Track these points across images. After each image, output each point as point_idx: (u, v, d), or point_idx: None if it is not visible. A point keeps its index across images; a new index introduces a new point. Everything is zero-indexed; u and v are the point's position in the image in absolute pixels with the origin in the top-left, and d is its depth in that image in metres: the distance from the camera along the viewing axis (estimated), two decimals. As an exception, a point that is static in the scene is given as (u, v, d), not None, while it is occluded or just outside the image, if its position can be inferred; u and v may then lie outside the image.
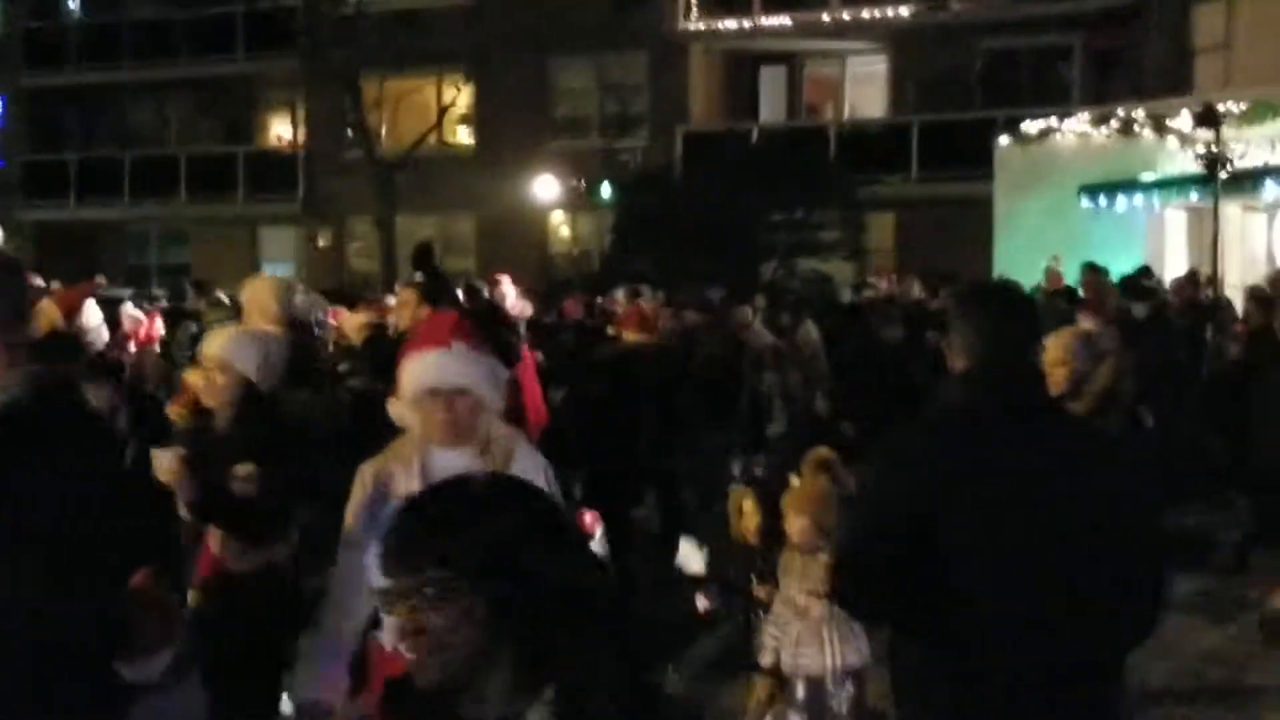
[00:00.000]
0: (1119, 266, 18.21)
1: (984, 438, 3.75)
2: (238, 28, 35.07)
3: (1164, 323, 12.51)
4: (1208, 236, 18.71)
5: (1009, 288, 4.58)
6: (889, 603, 3.78)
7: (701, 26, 30.89)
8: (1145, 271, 16.36)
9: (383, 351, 8.25)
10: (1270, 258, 20.77)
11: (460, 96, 33.74)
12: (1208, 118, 15.67)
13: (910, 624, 3.82)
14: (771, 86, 32.32)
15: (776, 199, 26.82)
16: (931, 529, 3.62)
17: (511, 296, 13.95)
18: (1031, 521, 3.63)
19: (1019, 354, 3.84)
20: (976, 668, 3.63)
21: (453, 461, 4.39)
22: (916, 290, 17.08)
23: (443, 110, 33.37)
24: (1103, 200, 20.76)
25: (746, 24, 30.50)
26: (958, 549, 3.62)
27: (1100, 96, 25.46)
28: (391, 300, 12.13)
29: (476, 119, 33.99)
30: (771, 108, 32.35)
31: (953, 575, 3.61)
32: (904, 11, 28.96)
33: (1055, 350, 6.07)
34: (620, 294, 16.03)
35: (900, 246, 28.94)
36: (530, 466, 4.51)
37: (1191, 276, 16.40)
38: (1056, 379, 5.92)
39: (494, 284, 13.95)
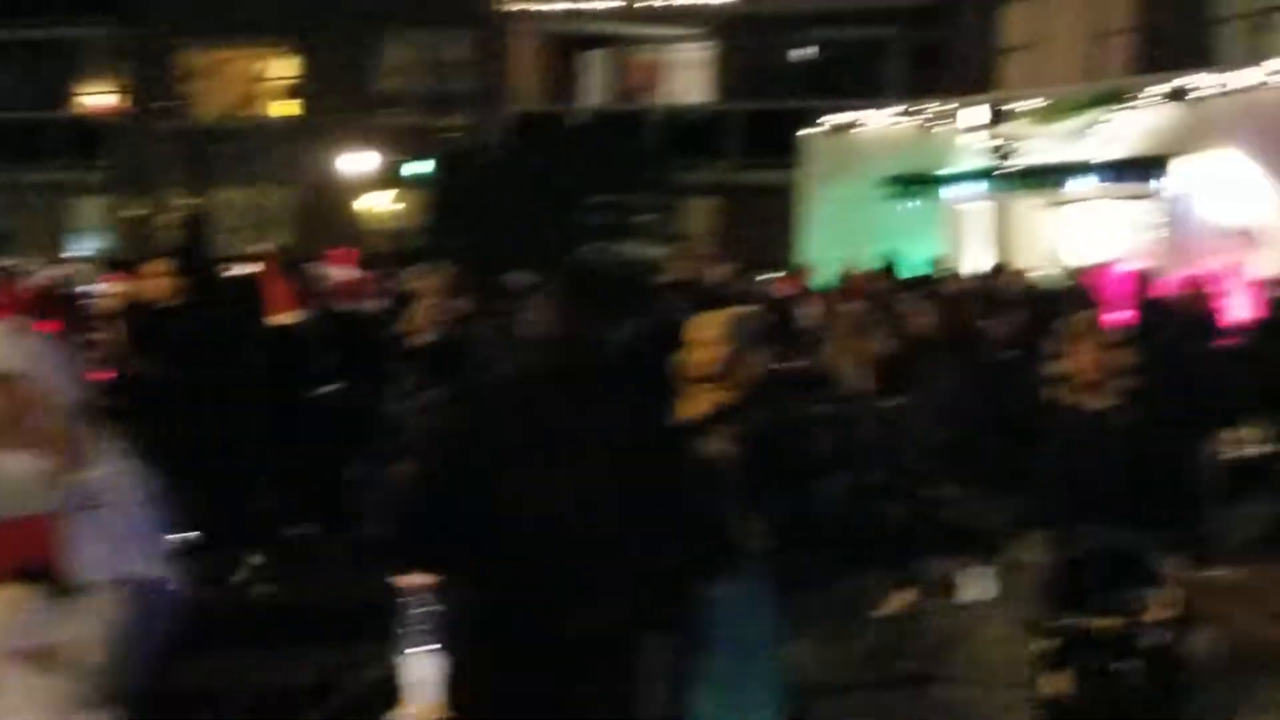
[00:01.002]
0: (919, 257, 18.81)
1: (527, 402, 4.02)
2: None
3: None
4: (1004, 229, 19.40)
5: (586, 265, 4.85)
6: (439, 553, 4.05)
7: (526, 7, 30.95)
8: (934, 261, 16.89)
9: (136, 322, 8.21)
10: (1061, 250, 21.47)
11: (282, 68, 33.43)
12: (995, 114, 16.24)
13: (457, 574, 4.10)
14: (594, 70, 32.51)
15: (596, 182, 27.01)
16: (480, 485, 3.88)
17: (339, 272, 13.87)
18: (564, 483, 3.87)
19: (577, 326, 4.12)
20: (517, 620, 3.87)
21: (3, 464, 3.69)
22: (723, 274, 17.31)
23: (262, 81, 33.02)
24: (903, 192, 21.29)
25: (571, 6, 30.64)
26: (501, 505, 3.87)
27: (914, 91, 26.07)
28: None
29: (298, 91, 33.67)
30: (593, 90, 32.53)
31: (496, 530, 3.87)
32: (725, 0, 29.32)
33: (710, 331, 5.98)
34: (412, 270, 15.97)
35: (718, 232, 29.31)
36: (111, 472, 3.74)
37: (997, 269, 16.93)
38: (712, 359, 5.89)
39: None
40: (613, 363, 4.31)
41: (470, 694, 4.01)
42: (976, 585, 10.32)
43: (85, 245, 31.87)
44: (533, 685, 3.85)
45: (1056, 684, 4.99)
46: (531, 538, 3.87)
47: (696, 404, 5.85)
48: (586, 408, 3.99)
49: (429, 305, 10.59)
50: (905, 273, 17.65)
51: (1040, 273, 19.52)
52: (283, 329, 10.26)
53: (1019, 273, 17.53)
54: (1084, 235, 21.44)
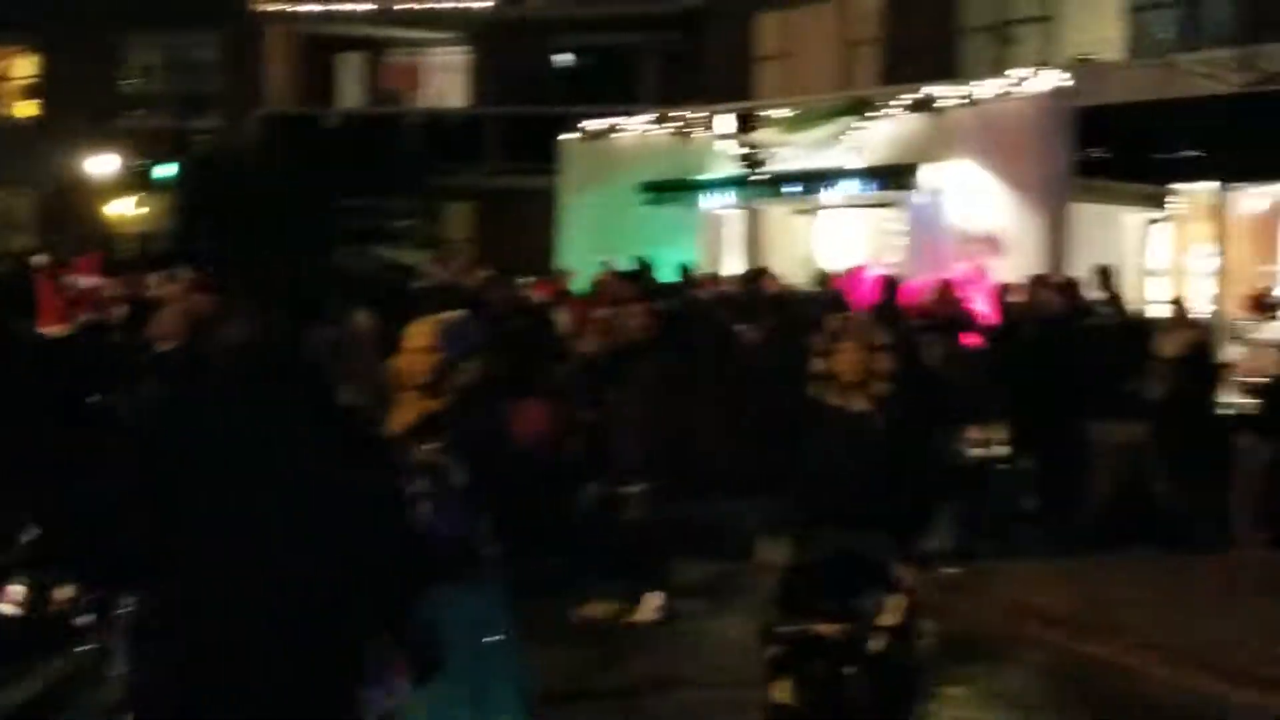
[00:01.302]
0: (675, 262, 18.99)
1: (205, 413, 3.95)
2: None
3: (688, 317, 13.10)
4: (758, 235, 19.71)
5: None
6: (108, 565, 3.96)
7: (279, 8, 30.42)
8: (686, 268, 17.10)
9: None
10: (814, 256, 21.94)
11: (22, 68, 32.31)
12: (744, 121, 16.48)
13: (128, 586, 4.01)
14: (350, 72, 32.14)
15: (352, 186, 26.71)
16: (157, 496, 3.80)
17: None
18: (239, 496, 3.79)
19: (272, 333, 4.06)
20: (195, 633, 3.78)
21: None
22: (476, 278, 17.30)
23: (2, 81, 31.87)
24: (659, 198, 21.48)
25: (326, 8, 30.22)
26: (176, 516, 3.79)
27: (669, 98, 26.34)
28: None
29: (39, 91, 32.55)
30: (350, 94, 32.15)
31: (174, 541, 3.79)
32: (483, 4, 29.25)
33: (420, 337, 5.92)
34: (155, 277, 15.70)
35: (477, 237, 29.22)
36: None
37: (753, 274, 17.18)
38: (420, 366, 5.83)
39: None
40: (308, 370, 4.20)
41: (152, 706, 3.90)
42: (730, 588, 10.46)
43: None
44: (213, 699, 3.75)
45: (783, 691, 4.99)
46: (208, 549, 3.76)
47: (405, 412, 5.79)
48: (271, 418, 3.89)
49: (173, 311, 10.33)
50: (662, 278, 17.86)
51: (795, 278, 19.96)
52: (54, 341, 10.08)
53: (773, 278, 17.84)
54: (836, 241, 21.97)
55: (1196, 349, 11.92)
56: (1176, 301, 13.28)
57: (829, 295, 16.08)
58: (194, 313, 11.62)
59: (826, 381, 6.16)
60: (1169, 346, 11.98)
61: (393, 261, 25.04)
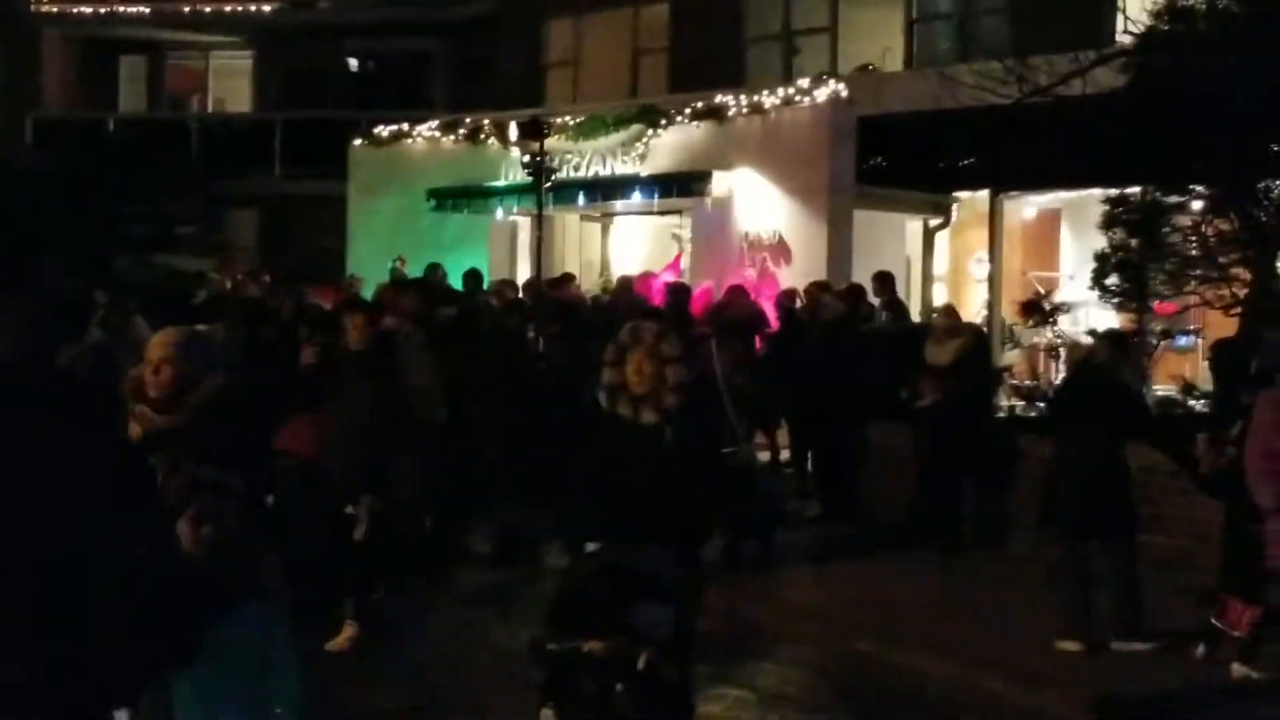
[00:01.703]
0: (466, 268, 18.91)
1: None
2: None
3: (474, 323, 13.04)
4: (549, 243, 19.68)
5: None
6: None
7: (56, 10, 29.59)
8: (473, 274, 17.04)
9: None
10: (606, 263, 22.08)
11: None
12: (533, 128, 16.49)
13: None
14: (132, 76, 31.37)
15: (134, 191, 26.08)
16: None
17: None
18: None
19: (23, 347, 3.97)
20: None
21: None
22: (255, 290, 17.00)
23: None
24: (450, 204, 21.39)
25: (104, 10, 29.46)
26: None
27: (461, 104, 26.25)
28: None
29: None
30: (132, 97, 31.39)
31: None
32: (267, 8, 28.80)
33: (158, 350, 5.79)
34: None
35: (263, 243, 28.76)
36: None
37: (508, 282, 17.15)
38: (160, 381, 5.71)
39: None
40: (54, 385, 4.09)
41: None
42: (514, 597, 10.45)
43: None
44: None
45: (549, 714, 4.93)
46: None
47: (134, 426, 5.64)
48: (23, 431, 3.81)
49: None
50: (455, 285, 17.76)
51: (588, 285, 20.06)
52: None
53: (576, 285, 17.92)
54: (626, 248, 22.13)
55: (967, 354, 12.20)
56: (947, 308, 13.60)
57: (626, 302, 16.17)
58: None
59: (616, 392, 6.13)
60: (941, 354, 12.25)
61: (173, 268, 24.54)
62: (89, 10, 29.54)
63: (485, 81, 27.29)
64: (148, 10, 29.29)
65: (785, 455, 14.84)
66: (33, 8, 29.55)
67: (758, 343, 14.94)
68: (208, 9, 28.98)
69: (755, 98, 18.97)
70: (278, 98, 29.68)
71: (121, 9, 29.39)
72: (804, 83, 18.81)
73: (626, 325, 6.35)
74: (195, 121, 29.86)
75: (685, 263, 19.88)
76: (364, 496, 9.02)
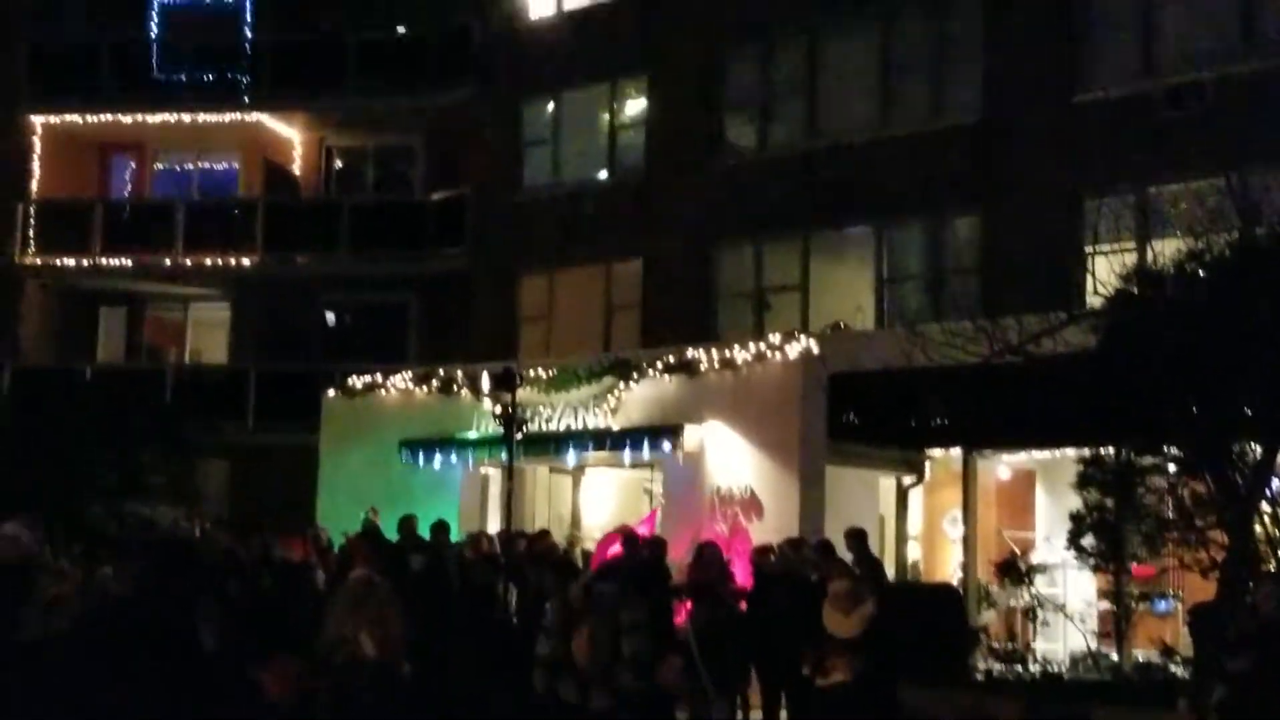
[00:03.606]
0: (435, 518, 18.73)
1: None
2: None
3: (441, 574, 12.87)
4: (519, 494, 19.62)
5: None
6: None
7: (39, 261, 29.88)
8: (440, 525, 16.87)
9: None
10: (577, 516, 21.88)
11: None
12: (504, 380, 16.55)
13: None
14: (111, 326, 31.53)
15: (107, 439, 25.95)
16: None
17: None
18: None
19: None
20: None
21: None
22: (224, 540, 16.89)
23: None
24: (421, 455, 21.34)
25: (87, 262, 29.76)
26: None
27: (434, 356, 26.37)
28: None
29: None
30: (110, 347, 31.50)
31: None
32: (246, 261, 29.12)
33: None
34: None
35: (233, 493, 28.53)
36: None
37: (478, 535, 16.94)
38: None
39: None
40: None
41: None
42: None
43: None
44: None
45: None
46: None
47: None
48: None
49: None
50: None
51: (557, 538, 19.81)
52: None
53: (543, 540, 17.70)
54: (597, 501, 21.98)
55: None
56: (843, 567, 12.79)
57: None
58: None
59: (558, 671, 5.62)
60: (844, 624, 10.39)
61: (140, 517, 24.31)
62: (71, 263, 29.79)
63: (458, 334, 27.49)
64: (129, 262, 29.53)
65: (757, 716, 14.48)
66: (18, 260, 29.81)
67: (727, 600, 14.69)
68: (188, 262, 29.25)
69: (727, 353, 19.09)
70: (254, 349, 29.81)
71: (104, 261, 29.65)
72: (775, 338, 18.96)
73: (576, 585, 5.99)
74: (171, 371, 29.88)
75: (653, 516, 19.73)
76: None
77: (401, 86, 28.56)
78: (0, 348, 30.07)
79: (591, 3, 26.86)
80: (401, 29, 29.66)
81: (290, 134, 30.50)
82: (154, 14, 30.36)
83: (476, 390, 20.76)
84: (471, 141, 28.35)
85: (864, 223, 23.56)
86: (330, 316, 30.73)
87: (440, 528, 16.73)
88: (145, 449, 26.68)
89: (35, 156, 30.46)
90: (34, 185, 30.46)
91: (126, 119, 30.05)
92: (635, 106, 26.59)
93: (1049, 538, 18.03)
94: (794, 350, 18.42)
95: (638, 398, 19.78)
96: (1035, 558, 17.51)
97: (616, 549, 15.82)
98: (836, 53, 24.25)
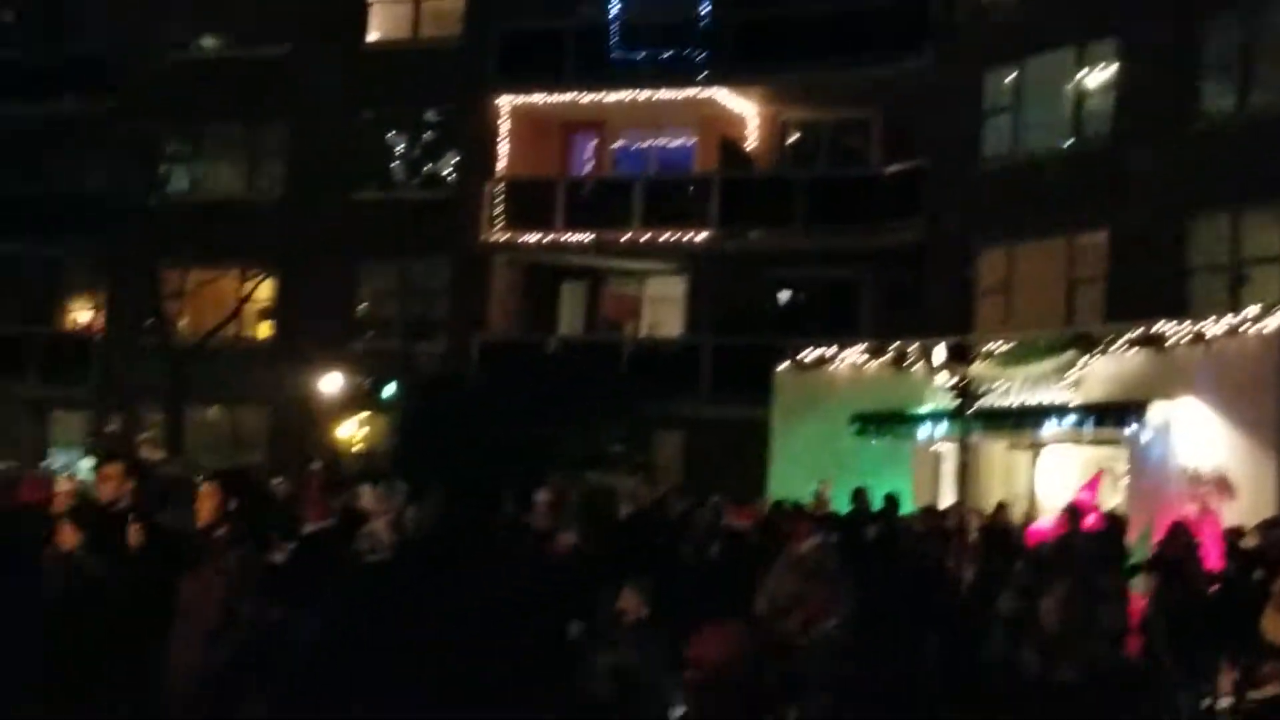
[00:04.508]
0: (887, 492, 18.58)
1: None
2: (43, 210, 34.57)
3: (892, 545, 12.67)
4: (973, 470, 19.21)
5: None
6: None
7: (506, 238, 31.17)
8: (892, 498, 16.66)
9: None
10: (1034, 494, 21.21)
11: (261, 290, 33.64)
12: (959, 354, 16.17)
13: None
14: (572, 300, 32.62)
15: (568, 411, 26.89)
16: None
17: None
18: None
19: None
20: None
21: None
22: (679, 507, 17.27)
23: (241, 301, 33.21)
24: (873, 429, 21.15)
25: (550, 238, 30.87)
26: None
27: (887, 330, 26.09)
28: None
29: (277, 313, 33.77)
30: (571, 321, 32.61)
31: None
32: (701, 236, 29.55)
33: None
34: (367, 490, 15.97)
35: (686, 464, 29.06)
36: None
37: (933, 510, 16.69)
38: None
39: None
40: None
41: None
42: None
43: (67, 459, 31.72)
44: None
45: None
46: None
47: None
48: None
49: (384, 524, 10.85)
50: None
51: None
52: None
53: (982, 512, 17.29)
54: (1055, 478, 21.22)
55: None
56: None
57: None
58: (402, 525, 12.14)
59: (1021, 629, 5.40)
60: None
61: (601, 485, 25.06)
62: (536, 239, 30.96)
63: (911, 309, 27.03)
64: (591, 239, 30.43)
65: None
66: (485, 238, 31.17)
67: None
68: (646, 237, 29.89)
69: (1198, 326, 18.08)
70: (707, 323, 30.22)
71: (567, 238, 30.69)
72: (1253, 310, 17.80)
73: (1050, 542, 5.75)
74: (628, 345, 30.67)
75: (1104, 484, 18.92)
76: None
77: (857, 58, 28.27)
78: (468, 320, 31.57)
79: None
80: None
81: (745, 109, 30.73)
82: (613, -4, 31.15)
83: (930, 364, 20.39)
84: (928, 112, 27.79)
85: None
86: (783, 291, 30.82)
87: (892, 500, 16.54)
88: (605, 420, 27.55)
89: (503, 138, 31.75)
90: (501, 166, 31.75)
91: (587, 99, 30.93)
92: (1103, 72, 25.44)
93: None
94: (1274, 323, 17.28)
95: (1100, 373, 19.02)
96: None
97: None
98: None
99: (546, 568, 10.47)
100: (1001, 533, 14.73)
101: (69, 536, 8.91)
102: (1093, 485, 18.89)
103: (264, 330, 34.29)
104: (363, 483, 20.03)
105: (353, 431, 31.94)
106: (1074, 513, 14.84)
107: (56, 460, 31.68)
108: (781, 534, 12.64)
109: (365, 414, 31.91)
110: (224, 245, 31.93)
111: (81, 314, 36.46)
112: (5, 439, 32.64)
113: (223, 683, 7.83)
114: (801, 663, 9.72)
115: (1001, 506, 17.98)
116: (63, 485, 13.70)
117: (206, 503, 8.58)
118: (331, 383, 30.70)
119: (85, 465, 29.54)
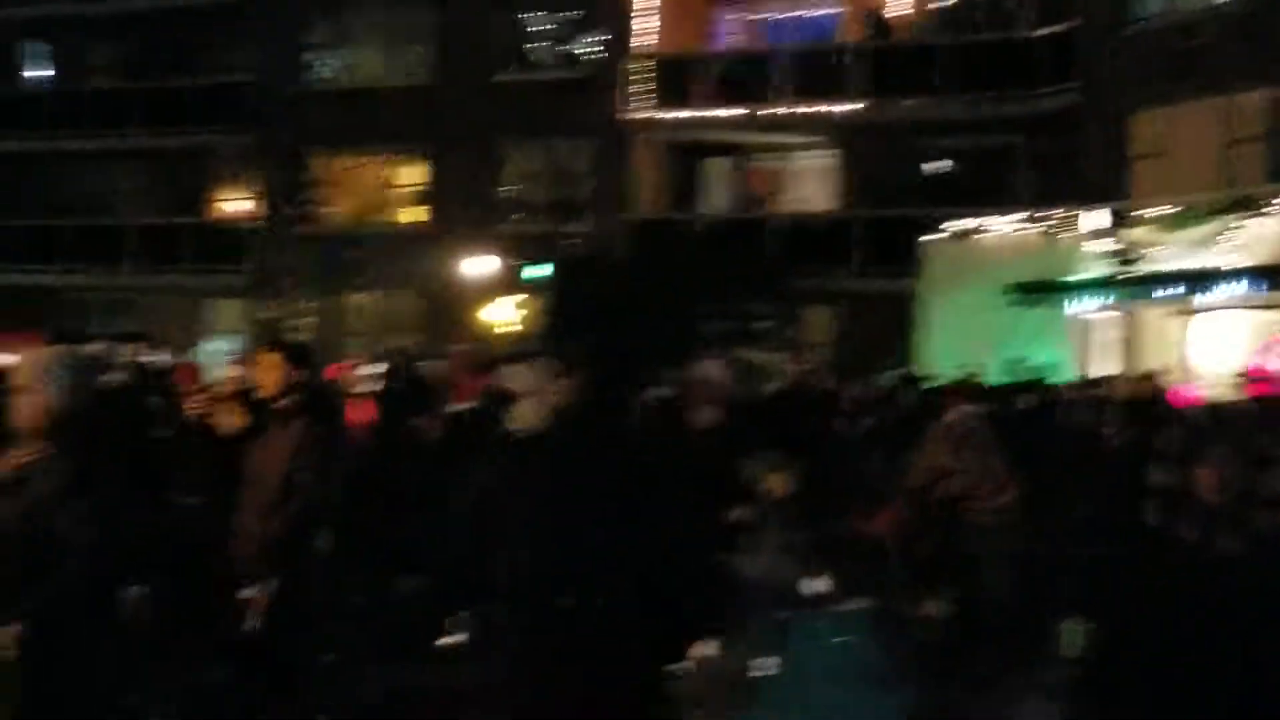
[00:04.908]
0: (1042, 364, 18.27)
1: None
2: (190, 101, 35.06)
3: (1048, 414, 12.46)
4: (1130, 338, 18.82)
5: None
6: None
7: (648, 116, 30.95)
8: (1045, 368, 16.39)
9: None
10: (1191, 361, 20.72)
11: (411, 175, 33.87)
12: (1126, 222, 15.75)
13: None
14: (716, 177, 32.36)
15: (715, 288, 26.81)
16: None
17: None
18: None
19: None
20: None
21: None
22: (829, 382, 17.07)
23: (391, 188, 33.49)
24: (1028, 298, 20.78)
25: (693, 115, 30.57)
26: None
27: (1041, 199, 25.50)
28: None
29: (426, 198, 34.01)
30: (716, 198, 32.37)
31: None
32: (848, 108, 29.04)
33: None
34: (515, 369, 15.99)
35: (837, 338, 28.85)
36: None
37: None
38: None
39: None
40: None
41: None
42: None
43: (222, 346, 32.42)
44: None
45: None
46: None
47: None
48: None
49: (533, 402, 10.80)
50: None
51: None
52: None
53: (1136, 380, 16.89)
54: (1214, 345, 20.69)
55: None
56: None
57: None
58: (553, 403, 12.07)
59: (1177, 503, 5.14)
60: None
61: (749, 363, 24.99)
62: (678, 116, 30.69)
63: (1067, 175, 26.38)
64: (736, 114, 30.06)
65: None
66: (626, 115, 30.98)
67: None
68: (791, 111, 29.47)
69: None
70: (856, 196, 29.81)
71: (709, 113, 30.36)
72: None
73: (1202, 407, 5.55)
74: (775, 220, 30.39)
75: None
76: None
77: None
78: (612, 200, 31.49)
79: None
80: None
81: (893, -25, 30.06)
82: None
83: (1085, 233, 19.92)
84: (1080, -28, 26.92)
85: None
86: (934, 161, 30.25)
87: (1045, 369, 16.28)
88: (753, 297, 27.43)
89: (646, 11, 31.38)
90: (643, 42, 31.42)
91: (731, -29, 30.50)
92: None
93: None
94: None
95: (1264, 235, 18.40)
96: None
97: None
98: None
99: (693, 444, 10.43)
100: (1148, 401, 14.38)
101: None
102: (1268, 349, 18.34)
103: (413, 214, 34.53)
104: (511, 363, 20.22)
105: (502, 313, 32.19)
106: (1242, 378, 14.50)
107: (208, 348, 32.38)
108: (934, 407, 12.49)
109: (514, 296, 32.11)
110: (370, 131, 32.15)
111: (232, 203, 36.94)
112: (164, 329, 33.39)
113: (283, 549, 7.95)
114: (973, 540, 9.62)
115: (1150, 374, 17.52)
116: (231, 372, 13.86)
117: (271, 373, 8.64)
118: (480, 265, 30.90)
119: (223, 350, 30.26)
